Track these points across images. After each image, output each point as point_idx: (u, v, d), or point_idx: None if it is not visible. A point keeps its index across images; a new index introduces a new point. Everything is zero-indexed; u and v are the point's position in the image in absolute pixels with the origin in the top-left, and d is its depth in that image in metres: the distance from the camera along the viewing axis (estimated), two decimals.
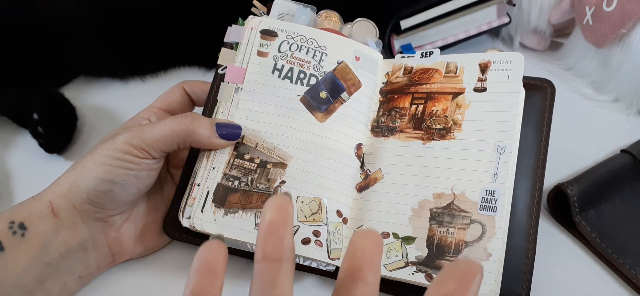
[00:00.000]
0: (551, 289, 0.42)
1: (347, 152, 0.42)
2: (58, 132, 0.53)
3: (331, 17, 0.46)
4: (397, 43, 0.63)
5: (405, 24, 0.61)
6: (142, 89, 0.60)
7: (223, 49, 0.45)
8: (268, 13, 0.47)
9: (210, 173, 0.40)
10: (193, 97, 0.48)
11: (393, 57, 0.64)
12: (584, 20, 0.56)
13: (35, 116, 0.51)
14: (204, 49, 0.61)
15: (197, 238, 0.42)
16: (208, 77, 0.62)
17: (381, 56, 0.46)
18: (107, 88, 0.61)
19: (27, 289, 0.36)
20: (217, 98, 0.43)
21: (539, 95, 0.43)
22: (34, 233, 0.37)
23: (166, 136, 0.39)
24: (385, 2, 0.63)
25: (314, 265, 0.39)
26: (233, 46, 0.45)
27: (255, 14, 0.47)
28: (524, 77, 0.43)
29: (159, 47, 0.60)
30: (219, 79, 0.44)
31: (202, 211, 0.39)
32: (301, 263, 0.39)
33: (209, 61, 0.62)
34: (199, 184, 0.40)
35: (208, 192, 0.40)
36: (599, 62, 0.58)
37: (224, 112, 0.42)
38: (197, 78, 0.61)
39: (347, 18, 0.48)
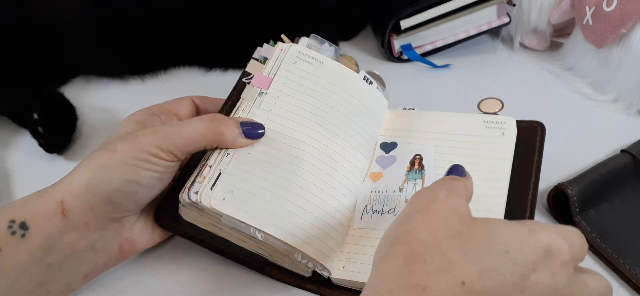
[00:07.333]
0: None
1: (354, 172, 0.44)
2: (58, 132, 0.53)
3: (350, 62, 0.48)
4: (397, 43, 0.63)
5: (405, 24, 0.61)
6: (142, 89, 0.61)
7: (252, 61, 0.46)
8: None
9: (224, 158, 0.40)
10: (201, 111, 0.48)
11: (393, 55, 0.64)
12: (584, 20, 0.56)
13: (35, 116, 0.51)
14: (203, 49, 0.62)
15: (187, 230, 0.42)
16: (207, 77, 0.63)
17: (386, 102, 0.49)
18: (107, 88, 0.61)
19: (25, 292, 0.35)
20: (242, 96, 0.44)
21: (529, 134, 0.45)
22: (37, 234, 0.35)
23: (195, 140, 0.39)
24: (385, 2, 0.64)
25: (310, 265, 0.39)
26: (261, 61, 0.47)
27: None
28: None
29: (161, 47, 0.61)
30: (240, 85, 0.46)
31: (211, 189, 0.39)
32: (299, 259, 0.39)
33: (208, 61, 0.63)
34: (211, 166, 0.40)
35: (220, 173, 0.40)
36: (599, 62, 0.58)
37: (245, 110, 0.43)
38: (196, 78, 0.62)
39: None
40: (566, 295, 0.29)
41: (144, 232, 0.42)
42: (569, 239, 0.30)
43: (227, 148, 0.41)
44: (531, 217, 0.41)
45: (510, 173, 0.43)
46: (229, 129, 0.40)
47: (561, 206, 0.46)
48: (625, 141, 0.51)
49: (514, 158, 0.44)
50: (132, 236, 0.41)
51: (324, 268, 0.39)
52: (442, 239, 0.29)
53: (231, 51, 0.62)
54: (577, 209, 0.45)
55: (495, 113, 0.47)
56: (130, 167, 0.37)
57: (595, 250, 0.44)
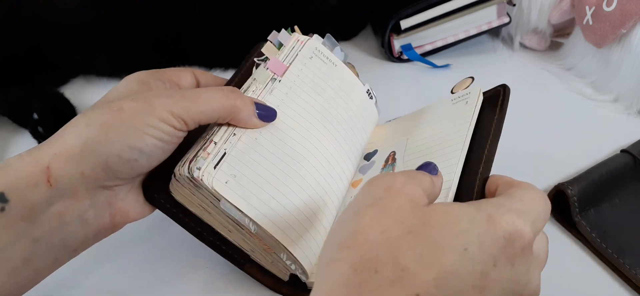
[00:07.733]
0: (551, 289, 0.42)
1: (343, 180, 0.44)
2: None
3: (353, 70, 0.49)
4: (397, 43, 0.63)
5: (405, 24, 0.61)
6: None
7: (268, 43, 0.45)
8: None
9: (230, 137, 0.38)
10: (202, 86, 0.44)
11: (393, 55, 0.64)
12: (584, 20, 0.56)
13: (35, 116, 0.51)
14: (203, 49, 0.62)
15: (173, 208, 0.39)
16: None
17: (377, 118, 0.50)
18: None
19: (9, 270, 0.31)
20: (254, 76, 0.43)
21: (494, 99, 0.43)
22: (18, 206, 0.31)
23: (212, 109, 0.36)
24: (385, 2, 0.64)
25: (292, 267, 0.39)
26: (276, 45, 0.45)
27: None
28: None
29: (161, 47, 0.61)
30: (250, 63, 0.45)
31: (215, 168, 0.36)
32: (283, 259, 0.39)
33: (208, 61, 0.63)
34: (216, 142, 0.38)
35: (225, 153, 0.37)
36: (599, 62, 0.58)
37: (256, 92, 0.41)
38: None
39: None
40: (525, 282, 0.28)
41: (137, 202, 0.38)
42: (531, 216, 0.29)
43: (238, 125, 0.39)
44: (485, 172, 0.37)
45: (469, 137, 0.41)
46: (245, 105, 0.37)
47: (561, 206, 0.46)
48: (625, 141, 0.51)
49: (477, 125, 0.42)
50: (126, 206, 0.37)
51: (304, 272, 0.38)
52: (395, 239, 0.26)
53: (231, 50, 0.62)
54: (577, 210, 0.44)
55: (464, 89, 0.46)
56: (136, 131, 0.33)
57: (595, 249, 0.44)
